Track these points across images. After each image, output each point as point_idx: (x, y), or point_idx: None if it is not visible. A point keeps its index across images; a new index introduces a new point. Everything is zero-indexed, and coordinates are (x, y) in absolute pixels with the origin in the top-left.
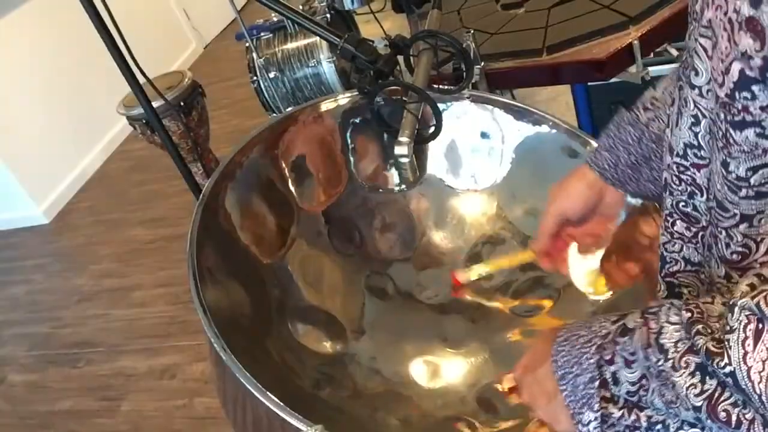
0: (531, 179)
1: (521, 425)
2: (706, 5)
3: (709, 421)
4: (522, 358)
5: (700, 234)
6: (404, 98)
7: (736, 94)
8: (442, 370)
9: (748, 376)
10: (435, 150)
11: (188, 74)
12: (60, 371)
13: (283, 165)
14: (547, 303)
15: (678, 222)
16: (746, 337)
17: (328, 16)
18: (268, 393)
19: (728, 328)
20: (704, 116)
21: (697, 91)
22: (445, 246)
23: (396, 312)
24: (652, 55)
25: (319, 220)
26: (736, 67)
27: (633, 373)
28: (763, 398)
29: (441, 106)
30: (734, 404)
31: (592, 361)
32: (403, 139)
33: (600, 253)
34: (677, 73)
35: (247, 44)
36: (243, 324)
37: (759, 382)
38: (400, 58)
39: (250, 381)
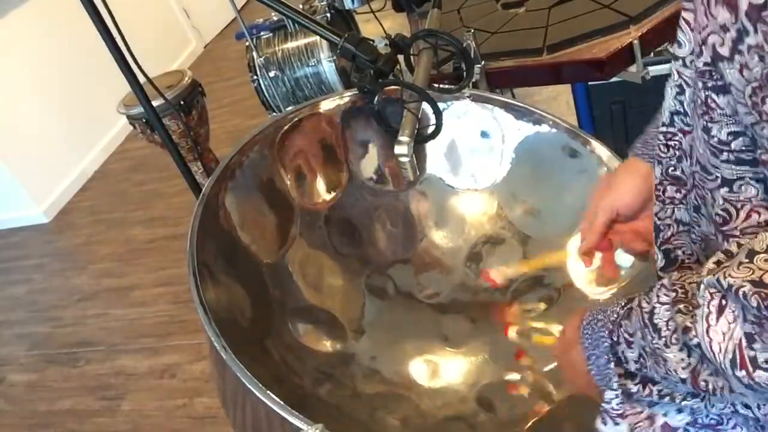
0: (531, 179)
1: (520, 425)
2: None
3: (694, 390)
4: (556, 341)
5: (687, 196)
6: (404, 98)
7: (717, 62)
8: (442, 369)
9: (710, 348)
10: (435, 149)
11: (188, 73)
12: (60, 371)
13: (283, 164)
14: (547, 302)
15: (668, 187)
16: (710, 312)
17: (329, 15)
18: (268, 392)
19: (695, 303)
20: (688, 85)
21: (680, 62)
22: (445, 245)
23: (396, 312)
24: (652, 54)
25: (319, 220)
26: (714, 39)
27: (633, 353)
28: (725, 366)
29: (441, 105)
30: (711, 374)
31: (606, 343)
32: (403, 138)
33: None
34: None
35: (248, 43)
36: (243, 323)
37: (719, 352)
38: (401, 58)
39: (250, 380)
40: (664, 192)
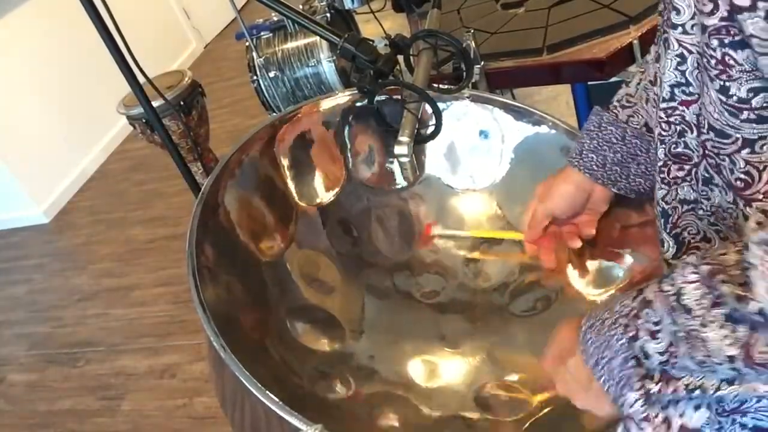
0: (530, 179)
1: (519, 425)
2: None
3: (747, 368)
4: (547, 350)
5: (693, 171)
6: (404, 98)
7: (734, 15)
8: (441, 369)
9: None
10: (434, 149)
11: (188, 74)
12: (60, 371)
13: (283, 164)
14: (546, 302)
15: (672, 167)
16: (766, 270)
17: (328, 15)
18: (267, 392)
19: (747, 265)
20: (690, 52)
21: (680, 29)
22: (444, 245)
23: (395, 311)
24: None
25: (318, 219)
26: None
27: (660, 343)
28: None
29: (441, 105)
30: None
31: (623, 341)
32: (403, 138)
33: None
34: (656, 37)
35: (247, 44)
36: (242, 323)
37: None
38: (400, 58)
39: (249, 380)
40: (668, 173)
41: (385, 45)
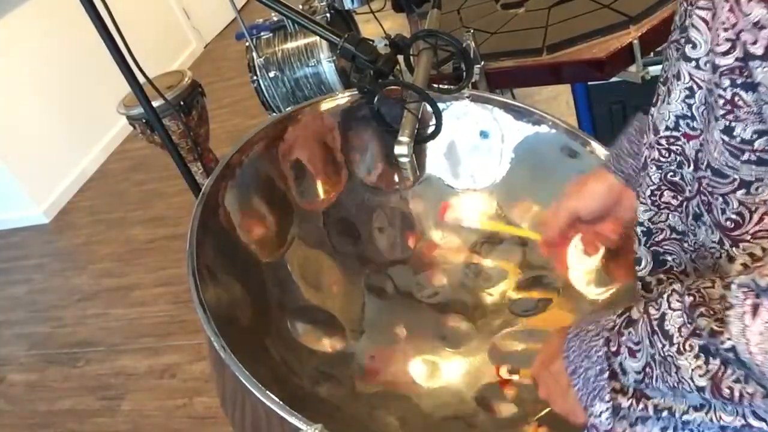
0: (530, 179)
1: (519, 425)
2: None
3: (713, 399)
4: (537, 355)
5: (685, 204)
6: (404, 98)
7: (748, 61)
8: (441, 369)
9: (748, 349)
10: (435, 149)
11: (188, 74)
12: (60, 371)
13: (283, 164)
14: (546, 302)
15: (666, 192)
16: (744, 312)
17: (328, 15)
18: (267, 392)
19: (728, 305)
20: (700, 87)
21: (693, 63)
22: (444, 245)
23: (395, 311)
24: (652, 54)
25: (318, 220)
26: (746, 36)
27: (637, 362)
28: (763, 369)
29: (441, 105)
30: (737, 380)
31: (600, 353)
32: (403, 138)
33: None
34: (665, 54)
35: (247, 44)
36: (242, 323)
37: (758, 354)
38: (400, 58)
39: (249, 380)
40: (660, 197)
41: (385, 45)
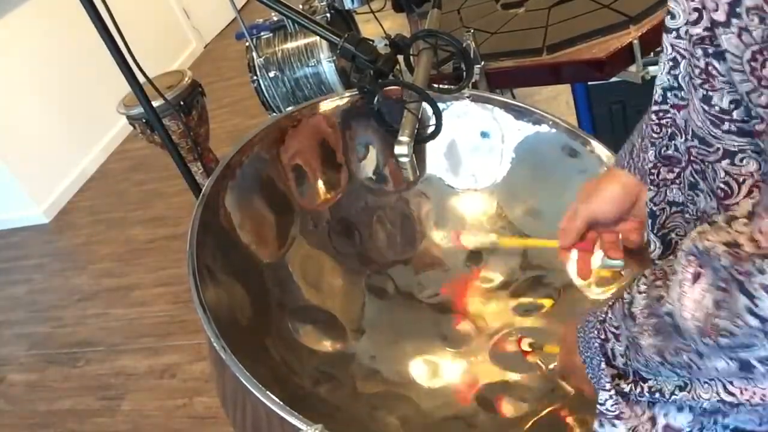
0: (531, 178)
1: (520, 425)
2: None
3: (673, 372)
4: (560, 347)
5: (682, 174)
6: (404, 98)
7: (713, 28)
8: (442, 369)
9: (681, 314)
10: (435, 149)
11: (188, 73)
12: (60, 371)
13: (283, 164)
14: (547, 302)
15: (662, 169)
16: (684, 278)
17: (328, 15)
18: (267, 392)
19: (673, 270)
20: (683, 57)
21: (674, 34)
22: (445, 245)
23: (396, 311)
24: (652, 54)
25: (319, 220)
26: (710, 4)
27: (621, 346)
28: (693, 335)
29: (441, 105)
30: (676, 350)
31: (596, 344)
32: (403, 138)
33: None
34: None
35: (247, 43)
36: (243, 323)
37: (689, 320)
38: (400, 58)
39: (249, 380)
40: (658, 175)
41: (385, 45)
